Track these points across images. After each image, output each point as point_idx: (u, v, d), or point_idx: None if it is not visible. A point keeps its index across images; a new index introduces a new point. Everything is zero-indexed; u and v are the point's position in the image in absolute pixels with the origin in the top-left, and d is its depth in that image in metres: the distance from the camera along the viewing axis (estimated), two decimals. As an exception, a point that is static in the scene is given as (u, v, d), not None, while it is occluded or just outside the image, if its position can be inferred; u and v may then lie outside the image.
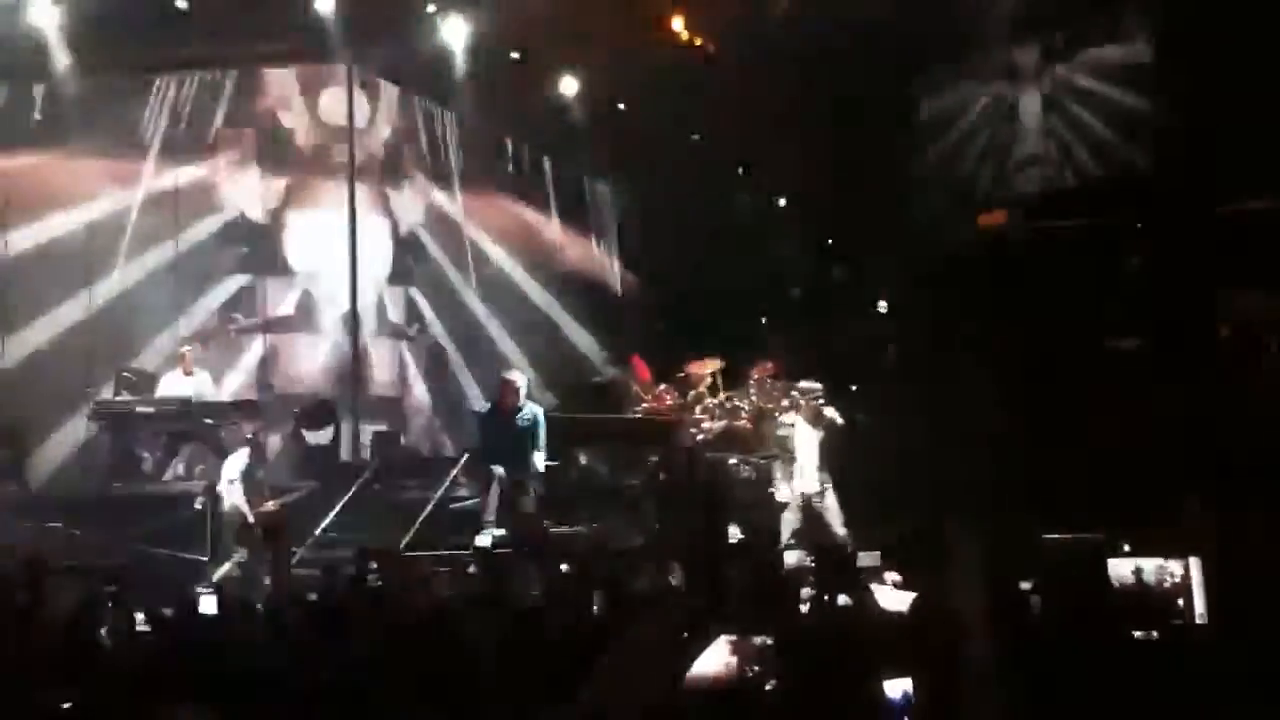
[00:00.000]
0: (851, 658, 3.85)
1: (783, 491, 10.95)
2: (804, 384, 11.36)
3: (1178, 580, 3.86)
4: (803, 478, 10.88)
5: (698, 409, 13.77)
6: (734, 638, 3.35)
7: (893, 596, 6.88)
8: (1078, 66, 14.51)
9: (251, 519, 11.05)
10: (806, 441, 10.97)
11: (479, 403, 16.12)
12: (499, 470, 11.14)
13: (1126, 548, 4.60)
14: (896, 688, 3.34)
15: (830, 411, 11.04)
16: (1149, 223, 13.78)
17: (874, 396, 12.32)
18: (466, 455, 12.99)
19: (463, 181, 16.94)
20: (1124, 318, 13.13)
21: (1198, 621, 3.79)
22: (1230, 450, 10.73)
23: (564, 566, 8.94)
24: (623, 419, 13.93)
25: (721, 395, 13.88)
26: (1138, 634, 4.06)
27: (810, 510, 10.78)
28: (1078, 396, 12.42)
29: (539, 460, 11.33)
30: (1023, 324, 13.90)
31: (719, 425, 13.43)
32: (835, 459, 10.96)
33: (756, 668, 3.26)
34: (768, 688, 3.20)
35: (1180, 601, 3.86)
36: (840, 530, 10.62)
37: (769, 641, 3.32)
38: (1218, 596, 3.79)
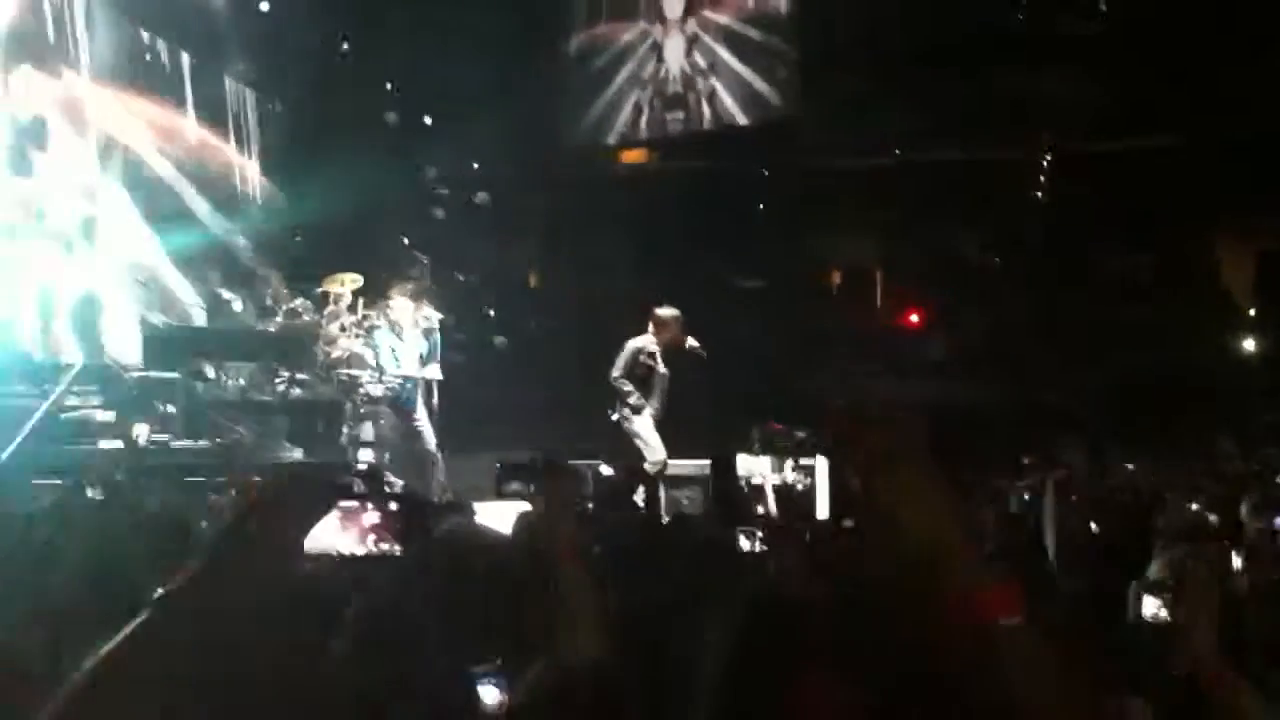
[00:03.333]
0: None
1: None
2: None
3: (807, 482, 4.28)
4: None
5: (334, 326, 13.54)
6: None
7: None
8: (720, 8, 15.17)
9: None
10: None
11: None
12: None
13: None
14: None
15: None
16: (774, 170, 14.73)
17: (523, 325, 12.56)
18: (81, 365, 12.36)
19: (93, 71, 15.79)
20: (754, 259, 14.00)
21: (819, 518, 4.21)
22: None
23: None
24: (254, 332, 13.61)
25: (360, 313, 13.69)
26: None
27: None
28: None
29: None
30: (656, 262, 14.53)
31: (355, 344, 13.26)
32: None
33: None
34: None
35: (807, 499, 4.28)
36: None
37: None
38: (834, 495, 4.23)
